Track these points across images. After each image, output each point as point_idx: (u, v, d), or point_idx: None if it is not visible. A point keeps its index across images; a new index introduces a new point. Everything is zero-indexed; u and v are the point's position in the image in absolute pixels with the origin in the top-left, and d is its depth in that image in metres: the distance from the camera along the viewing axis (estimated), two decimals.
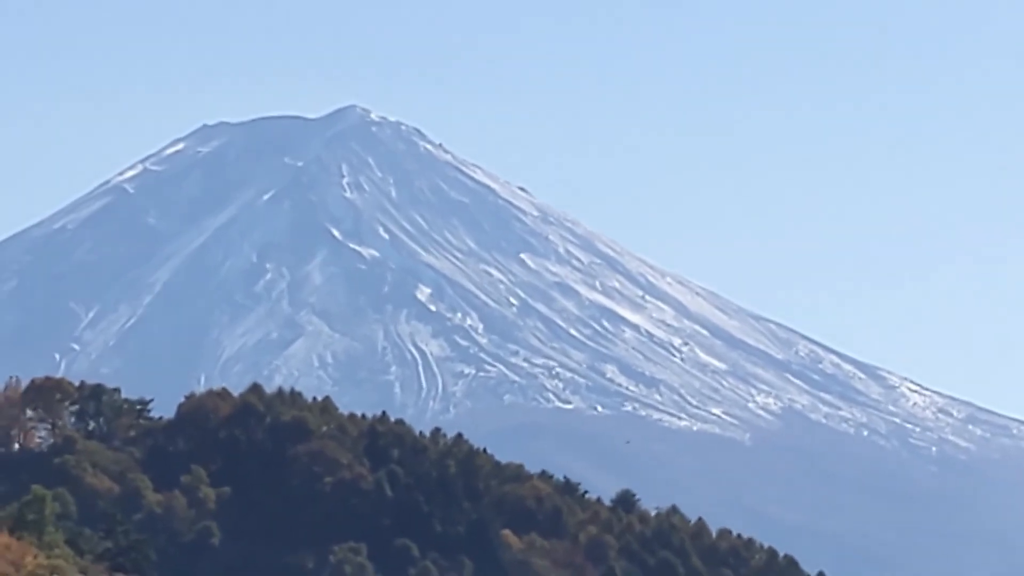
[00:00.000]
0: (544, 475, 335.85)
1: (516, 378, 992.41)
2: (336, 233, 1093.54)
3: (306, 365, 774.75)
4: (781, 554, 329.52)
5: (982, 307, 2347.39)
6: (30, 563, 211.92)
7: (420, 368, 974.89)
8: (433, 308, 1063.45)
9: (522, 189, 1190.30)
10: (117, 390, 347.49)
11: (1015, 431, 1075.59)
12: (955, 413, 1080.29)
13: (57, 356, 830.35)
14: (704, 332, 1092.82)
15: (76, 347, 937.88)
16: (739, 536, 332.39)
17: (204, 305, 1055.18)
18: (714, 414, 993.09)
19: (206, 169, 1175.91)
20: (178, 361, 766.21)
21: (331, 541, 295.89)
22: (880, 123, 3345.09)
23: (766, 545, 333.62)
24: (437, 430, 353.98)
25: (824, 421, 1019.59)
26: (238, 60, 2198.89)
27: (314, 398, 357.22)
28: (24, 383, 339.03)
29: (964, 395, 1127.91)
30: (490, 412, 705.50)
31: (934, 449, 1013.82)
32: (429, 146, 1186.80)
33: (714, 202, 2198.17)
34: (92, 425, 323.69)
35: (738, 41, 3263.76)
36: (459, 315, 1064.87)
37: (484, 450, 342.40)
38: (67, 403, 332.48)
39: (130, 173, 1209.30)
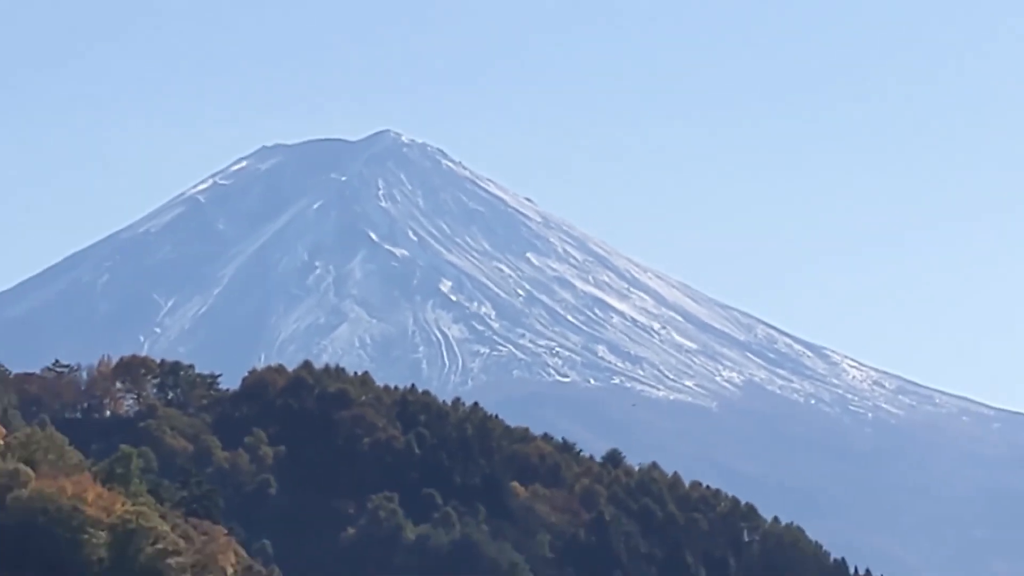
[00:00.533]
0: (546, 437, 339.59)
1: (523, 356, 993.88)
2: (374, 236, 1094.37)
3: (348, 346, 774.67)
4: (743, 502, 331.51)
5: (911, 293, 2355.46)
6: (119, 509, 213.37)
7: (443, 348, 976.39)
8: (454, 298, 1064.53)
9: (528, 199, 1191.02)
10: (191, 366, 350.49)
11: (937, 400, 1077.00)
12: (887, 385, 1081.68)
13: (142, 338, 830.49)
14: (679, 318, 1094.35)
15: (158, 331, 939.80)
16: (708, 487, 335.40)
17: (263, 296, 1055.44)
18: (687, 386, 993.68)
19: (265, 183, 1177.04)
20: (242, 342, 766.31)
21: (368, 491, 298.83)
22: (822, 130, 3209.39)
23: (730, 494, 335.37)
24: (457, 399, 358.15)
25: (778, 392, 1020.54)
26: (291, 90, 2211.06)
27: (355, 373, 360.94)
28: (114, 361, 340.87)
29: (895, 370, 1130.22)
30: (501, 384, 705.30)
31: (870, 415, 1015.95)
32: (451, 163, 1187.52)
33: (688, 208, 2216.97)
34: (171, 395, 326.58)
35: (716, 63, 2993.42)
36: (475, 304, 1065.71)
37: (496, 416, 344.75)
38: (150, 377, 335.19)
39: (202, 186, 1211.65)
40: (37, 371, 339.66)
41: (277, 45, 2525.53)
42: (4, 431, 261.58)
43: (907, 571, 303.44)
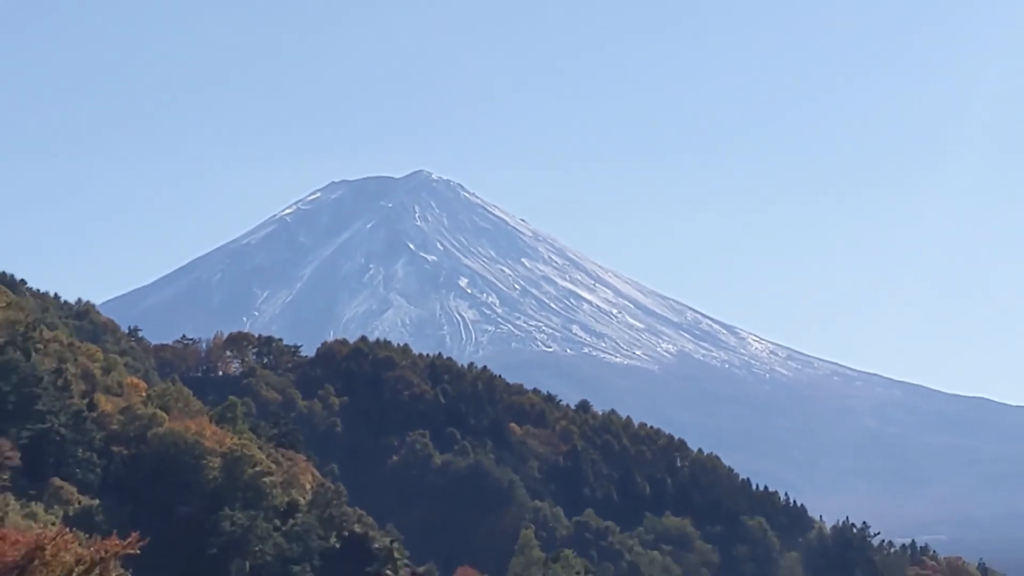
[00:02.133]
0: (535, 391, 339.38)
1: (519, 333, 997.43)
2: (411, 247, 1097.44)
3: (393, 325, 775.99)
4: (676, 438, 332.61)
5: (796, 282, 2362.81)
6: (228, 442, 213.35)
7: (461, 327, 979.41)
8: (470, 291, 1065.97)
9: (523, 219, 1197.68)
10: (280, 340, 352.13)
11: (815, 365, 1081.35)
12: (779, 354, 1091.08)
13: (244, 319, 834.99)
14: (631, 305, 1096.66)
15: (256, 314, 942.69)
16: (651, 427, 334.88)
17: (332, 289, 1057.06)
18: (636, 354, 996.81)
19: (334, 208, 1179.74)
20: (316, 323, 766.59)
21: (408, 430, 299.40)
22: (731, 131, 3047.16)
23: (667, 433, 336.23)
24: (471, 364, 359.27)
25: (702, 359, 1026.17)
26: (352, 137, 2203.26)
27: (398, 344, 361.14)
28: (224, 336, 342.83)
29: (785, 342, 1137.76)
30: (503, 353, 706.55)
31: (767, 375, 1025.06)
32: (467, 194, 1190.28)
33: (638, 225, 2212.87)
34: (265, 360, 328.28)
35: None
36: (484, 295, 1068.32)
37: (499, 376, 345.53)
38: (250, 347, 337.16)
39: (288, 210, 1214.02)
40: (170, 343, 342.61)
41: (343, 102, 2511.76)
42: (146, 386, 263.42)
43: (793, 490, 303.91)
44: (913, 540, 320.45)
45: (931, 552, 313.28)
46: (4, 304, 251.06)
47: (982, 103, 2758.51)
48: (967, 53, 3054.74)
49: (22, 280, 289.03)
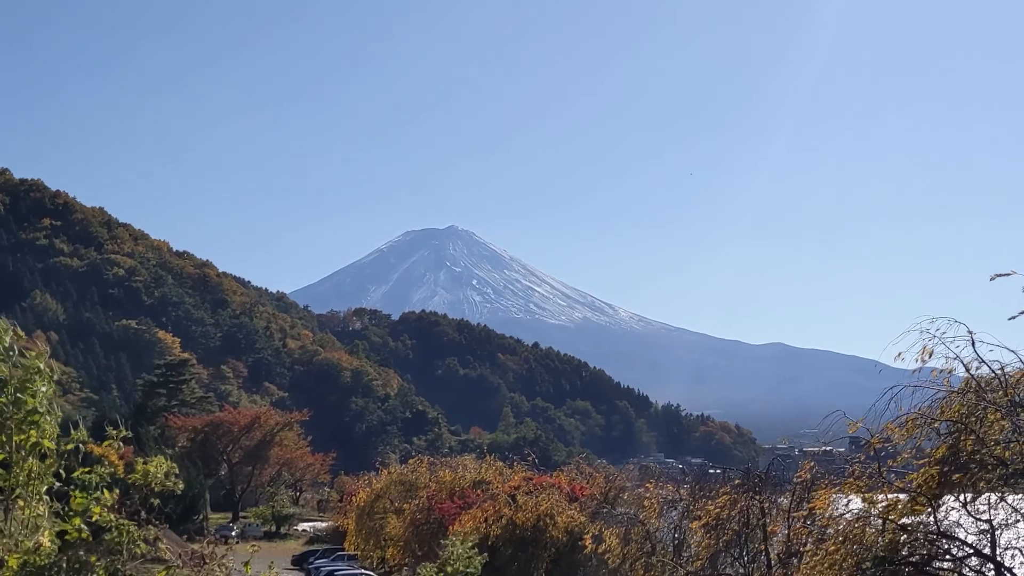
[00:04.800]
0: (511, 337, 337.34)
1: (502, 308, 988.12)
2: (448, 264, 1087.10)
3: (439, 305, 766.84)
4: (583, 361, 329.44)
5: (647, 268, 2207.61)
6: (355, 363, 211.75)
7: (471, 306, 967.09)
8: (478, 287, 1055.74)
9: (505, 249, 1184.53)
10: (381, 311, 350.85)
11: (656, 325, 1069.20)
12: (634, 319, 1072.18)
13: (363, 301, 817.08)
14: (559, 293, 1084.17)
15: (368, 298, 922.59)
16: (568, 355, 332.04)
17: (407, 286, 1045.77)
18: (562, 319, 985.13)
19: (408, 244, 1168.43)
20: (399, 303, 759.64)
21: (446, 357, 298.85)
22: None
23: (577, 359, 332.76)
24: (479, 323, 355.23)
25: (596, 322, 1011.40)
26: (419, 202, 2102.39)
27: (441, 314, 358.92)
28: (352, 309, 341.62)
29: (637, 311, 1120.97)
30: (494, 319, 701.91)
31: (629, 330, 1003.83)
32: (476, 236, 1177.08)
33: (565, 247, 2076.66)
34: (373, 321, 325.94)
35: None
36: (485, 289, 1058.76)
37: (493, 330, 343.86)
38: (365, 315, 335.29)
39: (384, 244, 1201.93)
40: (325, 312, 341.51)
41: (411, 170, 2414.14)
42: (311, 335, 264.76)
43: (643, 388, 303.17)
44: (703, 412, 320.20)
45: (711, 418, 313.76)
46: (240, 293, 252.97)
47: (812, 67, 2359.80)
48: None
49: (248, 280, 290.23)
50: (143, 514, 6.82)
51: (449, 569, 22.62)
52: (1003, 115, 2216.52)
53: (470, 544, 25.73)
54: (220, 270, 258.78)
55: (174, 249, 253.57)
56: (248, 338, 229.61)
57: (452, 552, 26.58)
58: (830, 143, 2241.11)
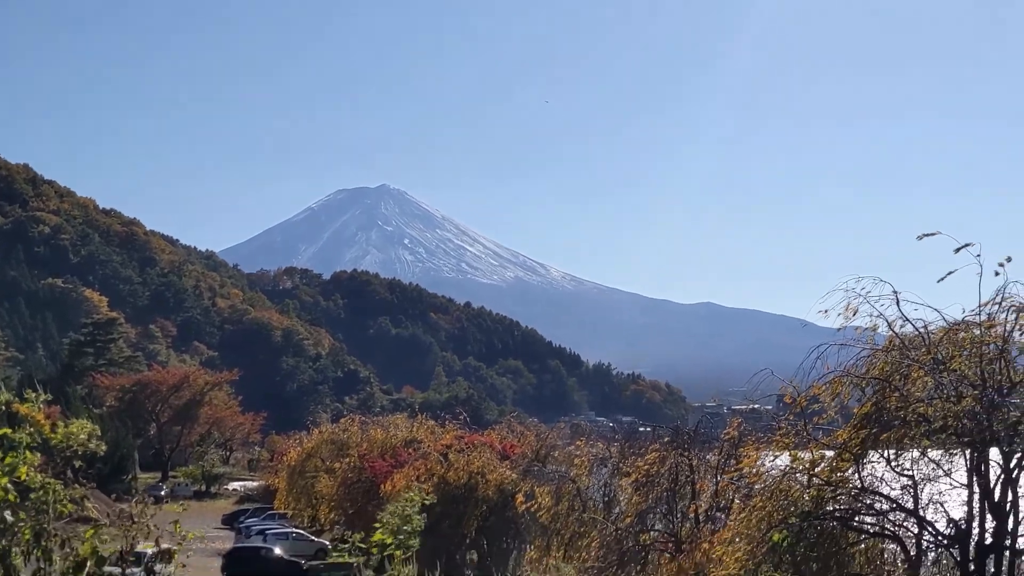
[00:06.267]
0: (443, 296, 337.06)
1: (434, 267, 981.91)
2: (380, 223, 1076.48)
3: (370, 265, 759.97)
4: (515, 320, 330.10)
5: (584, 231, 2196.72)
6: (286, 322, 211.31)
7: (403, 265, 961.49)
8: (410, 246, 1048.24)
9: (438, 209, 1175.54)
10: (312, 270, 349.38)
11: (587, 284, 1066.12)
12: (566, 278, 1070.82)
13: (294, 260, 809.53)
14: (491, 253, 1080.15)
15: (299, 257, 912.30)
16: (499, 314, 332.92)
17: (339, 245, 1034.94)
18: (493, 279, 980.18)
19: (339, 203, 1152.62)
20: (330, 262, 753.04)
21: (378, 316, 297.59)
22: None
23: (509, 318, 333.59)
24: (411, 282, 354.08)
25: (528, 281, 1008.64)
26: (351, 160, 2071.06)
27: (373, 273, 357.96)
28: (283, 268, 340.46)
29: (569, 271, 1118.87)
30: (426, 278, 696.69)
31: (560, 289, 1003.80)
32: (408, 195, 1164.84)
33: (495, 205, 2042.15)
34: (304, 281, 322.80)
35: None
36: (418, 248, 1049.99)
37: (425, 288, 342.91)
38: (296, 274, 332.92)
39: (315, 203, 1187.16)
40: (255, 272, 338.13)
41: (343, 128, 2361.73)
42: (242, 294, 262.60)
43: (574, 348, 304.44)
44: (634, 371, 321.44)
45: (642, 377, 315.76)
46: (168, 251, 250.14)
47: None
48: None
49: (176, 238, 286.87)
50: (68, 474, 6.85)
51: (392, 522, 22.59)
52: (929, 81, 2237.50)
53: (414, 502, 25.74)
54: (148, 228, 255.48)
55: (101, 207, 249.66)
56: (177, 297, 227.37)
57: (397, 508, 26.59)
58: (760, 109, 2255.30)
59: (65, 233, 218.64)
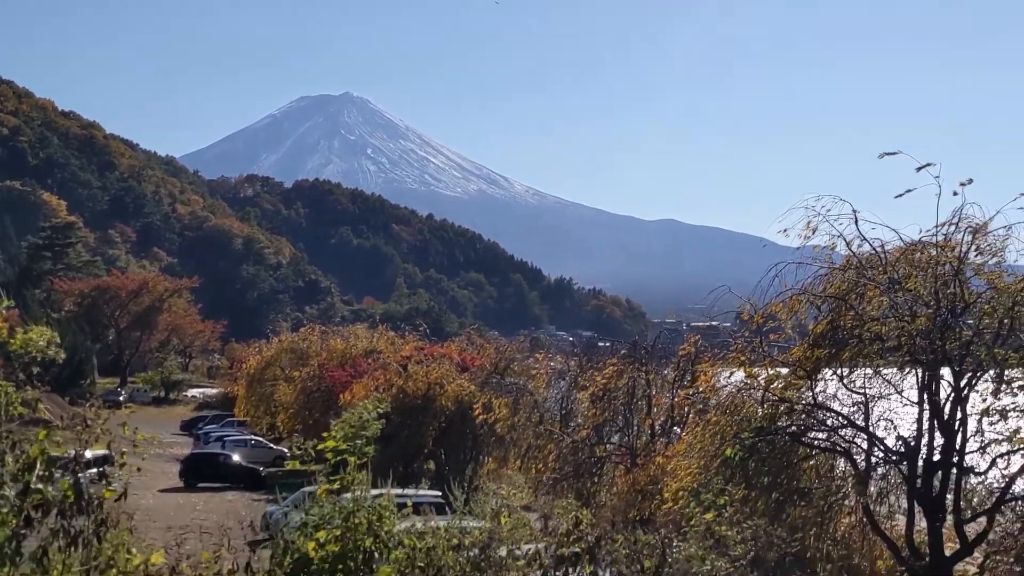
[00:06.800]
0: (405, 208, 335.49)
1: (397, 178, 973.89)
2: (343, 132, 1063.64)
3: (333, 174, 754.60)
4: (477, 233, 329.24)
5: (555, 143, 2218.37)
6: (246, 231, 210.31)
7: (366, 176, 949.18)
8: (372, 156, 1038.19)
9: (401, 119, 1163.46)
10: (273, 178, 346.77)
11: (552, 201, 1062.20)
12: (529, 192, 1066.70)
13: (255, 168, 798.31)
14: (455, 164, 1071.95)
15: (261, 165, 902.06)
16: (463, 227, 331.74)
17: (301, 153, 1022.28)
18: (457, 191, 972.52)
19: (302, 110, 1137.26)
20: (292, 170, 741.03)
21: (340, 226, 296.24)
22: None
23: (472, 230, 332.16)
24: (373, 193, 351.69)
25: (488, 192, 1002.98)
26: (315, 68, 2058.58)
27: (335, 183, 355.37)
28: (244, 175, 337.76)
29: (532, 185, 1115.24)
30: (389, 189, 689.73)
31: (524, 203, 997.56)
32: (372, 105, 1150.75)
33: (459, 116, 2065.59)
34: (265, 188, 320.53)
35: None
36: (380, 158, 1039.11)
37: (387, 200, 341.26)
38: (257, 182, 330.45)
39: (277, 111, 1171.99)
40: (216, 178, 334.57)
41: (305, 33, 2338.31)
42: (202, 201, 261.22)
43: (536, 262, 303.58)
44: (594, 287, 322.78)
45: (602, 292, 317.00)
46: (128, 156, 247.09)
47: None
48: None
49: (136, 142, 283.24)
50: (21, 376, 6.85)
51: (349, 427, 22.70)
52: (905, 5, 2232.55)
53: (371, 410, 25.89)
54: (107, 131, 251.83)
55: (60, 109, 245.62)
56: (136, 202, 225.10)
57: (353, 415, 26.68)
58: (728, 33, 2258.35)
59: (23, 135, 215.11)
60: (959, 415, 15.81)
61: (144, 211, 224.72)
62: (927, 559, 16.24)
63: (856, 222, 16.20)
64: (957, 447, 15.88)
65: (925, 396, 16.22)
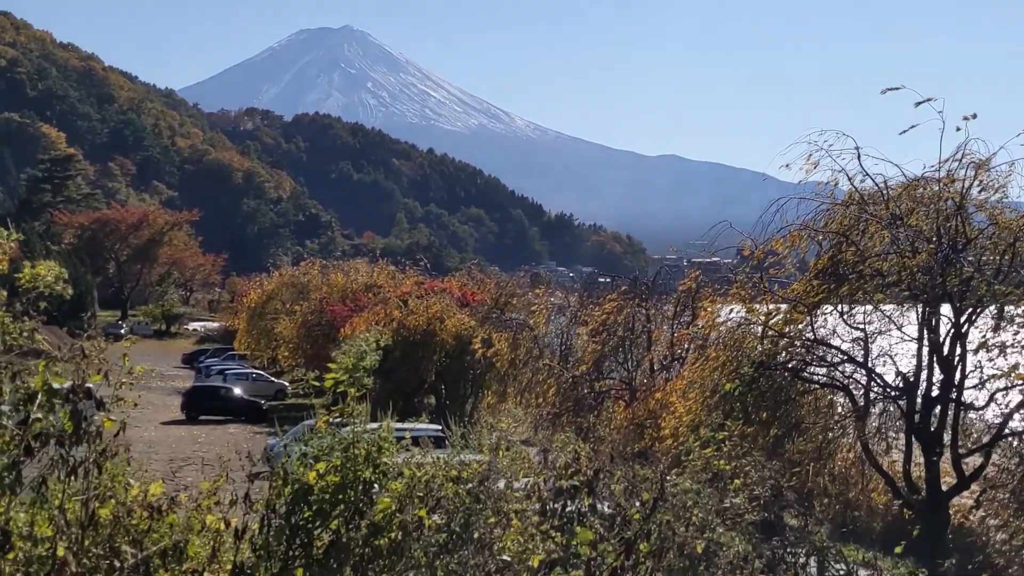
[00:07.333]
0: (406, 143, 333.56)
1: (397, 113, 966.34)
2: (343, 66, 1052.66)
3: (333, 108, 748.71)
4: (477, 168, 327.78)
5: (553, 80, 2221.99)
6: (247, 164, 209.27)
7: (368, 109, 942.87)
8: (373, 90, 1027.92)
9: (401, 52, 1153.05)
10: (273, 112, 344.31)
11: (552, 135, 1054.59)
12: (530, 127, 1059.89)
13: (255, 101, 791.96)
14: (456, 99, 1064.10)
15: (261, 98, 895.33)
16: (462, 162, 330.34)
17: (302, 87, 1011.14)
18: (458, 126, 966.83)
19: (302, 43, 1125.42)
20: (293, 104, 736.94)
21: (340, 160, 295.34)
22: None
23: (471, 166, 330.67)
24: (373, 127, 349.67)
25: (492, 129, 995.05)
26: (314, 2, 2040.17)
27: (336, 117, 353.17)
28: (244, 109, 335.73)
29: (533, 120, 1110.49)
30: (390, 123, 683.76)
31: (524, 138, 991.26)
32: (374, 39, 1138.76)
33: (461, 48, 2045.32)
34: (265, 122, 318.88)
35: None
36: (381, 92, 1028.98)
37: (387, 134, 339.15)
38: (257, 115, 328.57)
39: (277, 44, 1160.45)
40: (216, 111, 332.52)
41: None
42: (202, 134, 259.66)
43: (537, 197, 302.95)
44: (595, 222, 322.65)
45: (603, 228, 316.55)
46: (127, 88, 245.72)
47: None
48: None
49: (135, 75, 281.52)
50: (17, 306, 6.82)
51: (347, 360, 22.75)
52: None
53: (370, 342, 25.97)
54: (106, 64, 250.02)
55: (58, 41, 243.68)
56: (136, 135, 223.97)
57: (352, 346, 26.76)
58: None
59: (21, 67, 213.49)
60: (958, 351, 15.83)
61: (144, 144, 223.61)
62: (923, 493, 16.33)
63: (859, 157, 16.13)
64: (956, 383, 15.91)
65: (925, 332, 16.23)
